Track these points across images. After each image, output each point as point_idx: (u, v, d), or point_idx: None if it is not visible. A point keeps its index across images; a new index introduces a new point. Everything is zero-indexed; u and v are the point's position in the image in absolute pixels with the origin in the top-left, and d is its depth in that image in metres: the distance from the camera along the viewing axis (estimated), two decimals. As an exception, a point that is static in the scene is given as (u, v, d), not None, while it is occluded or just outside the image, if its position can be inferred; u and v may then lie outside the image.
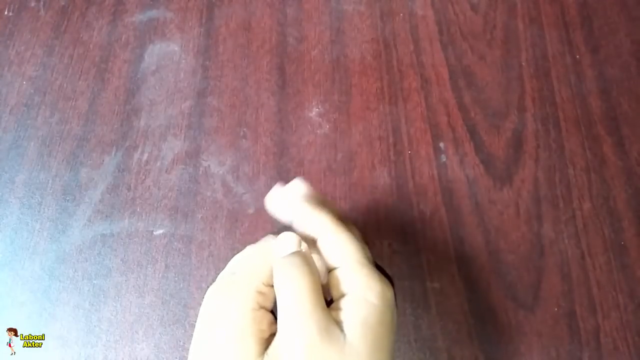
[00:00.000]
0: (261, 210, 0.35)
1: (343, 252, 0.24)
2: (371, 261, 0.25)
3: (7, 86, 0.40)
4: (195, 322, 0.32)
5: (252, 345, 0.21)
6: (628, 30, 0.40)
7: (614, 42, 0.39)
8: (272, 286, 0.24)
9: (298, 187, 0.26)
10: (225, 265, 0.33)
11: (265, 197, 0.26)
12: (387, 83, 0.39)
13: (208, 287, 0.33)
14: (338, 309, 0.22)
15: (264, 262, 0.24)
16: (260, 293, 0.23)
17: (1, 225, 0.36)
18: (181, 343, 0.32)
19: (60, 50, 0.42)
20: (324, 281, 0.24)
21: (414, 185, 0.35)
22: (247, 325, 0.21)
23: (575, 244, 0.33)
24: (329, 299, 0.23)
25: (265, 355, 0.21)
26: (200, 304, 0.33)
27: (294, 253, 0.23)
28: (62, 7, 0.43)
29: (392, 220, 0.34)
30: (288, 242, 0.24)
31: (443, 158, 0.36)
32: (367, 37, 0.41)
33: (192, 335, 0.32)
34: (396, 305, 0.23)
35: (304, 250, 0.24)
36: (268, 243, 0.25)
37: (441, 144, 0.36)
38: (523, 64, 0.39)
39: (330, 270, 0.24)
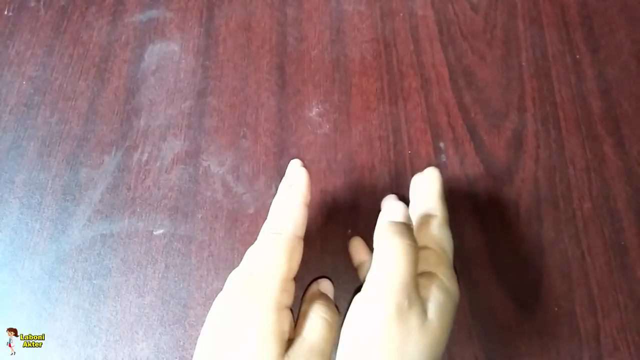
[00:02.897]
0: (261, 210, 0.35)
1: (441, 241, 0.25)
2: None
3: (7, 86, 0.40)
4: (195, 322, 0.32)
5: (275, 346, 0.21)
6: (628, 30, 0.40)
7: (614, 42, 0.39)
8: (293, 280, 0.24)
9: (437, 175, 0.28)
10: (226, 265, 0.34)
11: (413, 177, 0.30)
12: (387, 83, 0.39)
13: (208, 287, 0.33)
14: (423, 286, 0.23)
15: (283, 256, 0.23)
16: (283, 291, 0.23)
17: (1, 225, 0.36)
18: (181, 343, 0.32)
19: (60, 50, 0.42)
20: None
21: (414, 185, 0.35)
22: (270, 326, 0.21)
23: (575, 244, 0.33)
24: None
25: (285, 356, 0.21)
26: (200, 304, 0.33)
27: (404, 223, 0.24)
28: (62, 7, 0.43)
29: (392, 220, 0.34)
30: (399, 210, 0.25)
31: (443, 158, 0.36)
32: (367, 37, 0.41)
33: (192, 335, 0.32)
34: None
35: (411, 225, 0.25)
36: (294, 239, 0.24)
37: (441, 144, 0.36)
38: (523, 64, 0.39)
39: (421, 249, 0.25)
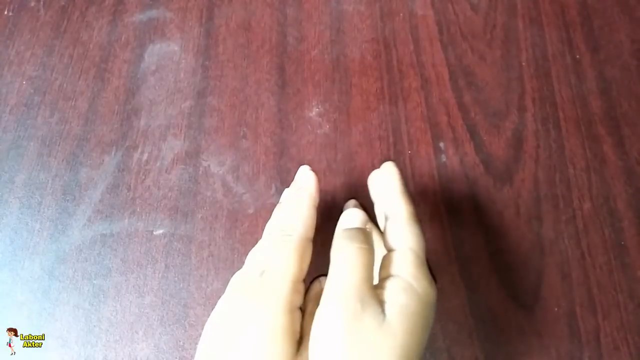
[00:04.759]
0: (261, 210, 0.35)
1: (406, 240, 0.24)
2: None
3: (7, 86, 0.40)
4: (195, 322, 0.32)
5: (287, 348, 0.21)
6: (628, 30, 0.40)
7: (614, 42, 0.39)
8: (303, 281, 0.24)
9: (394, 171, 0.27)
10: (226, 265, 0.34)
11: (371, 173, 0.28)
12: (387, 83, 0.39)
13: (208, 287, 0.33)
14: (382, 287, 0.22)
15: (295, 257, 0.23)
16: (295, 292, 0.23)
17: (1, 225, 0.36)
18: (181, 343, 0.32)
19: (60, 50, 0.42)
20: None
21: (414, 185, 0.35)
22: (282, 327, 0.21)
23: (575, 244, 0.33)
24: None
25: (298, 355, 0.21)
26: (200, 304, 0.33)
27: (356, 228, 0.24)
28: (62, 7, 0.43)
29: (392, 220, 0.34)
30: (354, 217, 0.25)
31: (443, 158, 0.36)
32: (367, 37, 0.41)
33: (192, 335, 0.32)
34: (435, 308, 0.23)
35: (368, 228, 0.24)
36: (291, 239, 0.24)
37: (441, 144, 0.36)
38: (523, 64, 0.39)
39: (387, 252, 0.25)
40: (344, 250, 0.22)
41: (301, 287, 0.24)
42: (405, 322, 0.21)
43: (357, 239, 0.23)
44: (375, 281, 0.24)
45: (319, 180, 0.27)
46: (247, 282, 0.23)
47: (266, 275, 0.23)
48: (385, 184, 0.27)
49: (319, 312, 0.21)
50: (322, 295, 0.22)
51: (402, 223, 0.25)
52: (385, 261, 0.24)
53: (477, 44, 0.40)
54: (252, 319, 0.22)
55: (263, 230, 0.34)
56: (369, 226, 0.25)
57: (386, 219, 0.26)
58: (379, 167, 0.36)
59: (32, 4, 0.44)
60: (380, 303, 0.21)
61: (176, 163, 0.37)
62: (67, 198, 0.36)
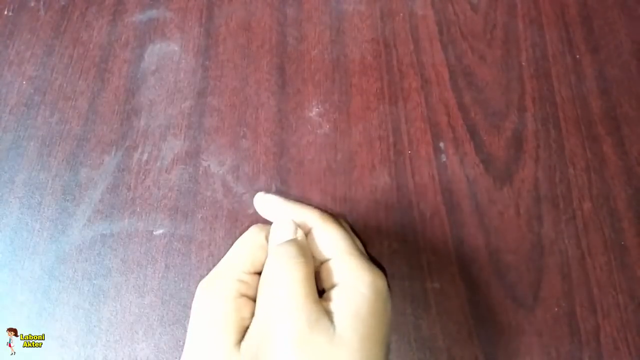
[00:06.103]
0: (261, 210, 0.35)
1: (333, 244, 0.24)
2: (362, 252, 0.25)
3: (7, 86, 0.40)
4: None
5: (231, 333, 0.21)
6: (628, 30, 0.40)
7: (614, 42, 0.39)
8: (256, 274, 0.24)
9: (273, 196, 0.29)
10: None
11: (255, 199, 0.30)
12: (387, 83, 0.39)
13: (208, 287, 0.33)
14: (329, 299, 0.22)
15: (246, 251, 0.24)
16: (242, 282, 0.23)
17: (1, 225, 0.36)
18: (181, 343, 0.32)
19: (60, 50, 0.42)
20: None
21: (414, 185, 0.35)
22: (227, 313, 0.22)
23: (575, 244, 0.33)
24: (320, 290, 0.23)
25: (243, 341, 0.22)
26: (200, 304, 0.33)
27: (289, 241, 0.23)
28: (62, 7, 0.43)
29: (392, 220, 0.34)
30: (285, 228, 0.24)
31: (443, 158, 0.36)
32: (367, 37, 0.41)
33: (192, 335, 0.32)
34: (390, 294, 0.24)
35: (299, 238, 0.24)
36: (251, 232, 0.25)
37: (441, 144, 0.36)
38: (523, 64, 0.39)
39: (322, 263, 0.24)
40: (281, 269, 0.22)
41: (251, 279, 0.24)
42: (358, 329, 0.20)
43: (291, 254, 0.22)
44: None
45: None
46: (208, 275, 0.25)
47: (218, 267, 0.25)
48: (281, 204, 0.28)
49: (269, 333, 0.20)
50: (256, 318, 0.21)
51: (322, 229, 0.25)
52: (325, 272, 0.24)
53: (477, 44, 0.40)
54: (204, 307, 0.23)
55: (263, 230, 0.34)
56: (300, 233, 0.24)
57: (308, 232, 0.26)
58: (379, 167, 0.36)
59: (32, 4, 0.44)
60: (329, 314, 0.21)
61: (176, 163, 0.37)
62: (67, 198, 0.36)
